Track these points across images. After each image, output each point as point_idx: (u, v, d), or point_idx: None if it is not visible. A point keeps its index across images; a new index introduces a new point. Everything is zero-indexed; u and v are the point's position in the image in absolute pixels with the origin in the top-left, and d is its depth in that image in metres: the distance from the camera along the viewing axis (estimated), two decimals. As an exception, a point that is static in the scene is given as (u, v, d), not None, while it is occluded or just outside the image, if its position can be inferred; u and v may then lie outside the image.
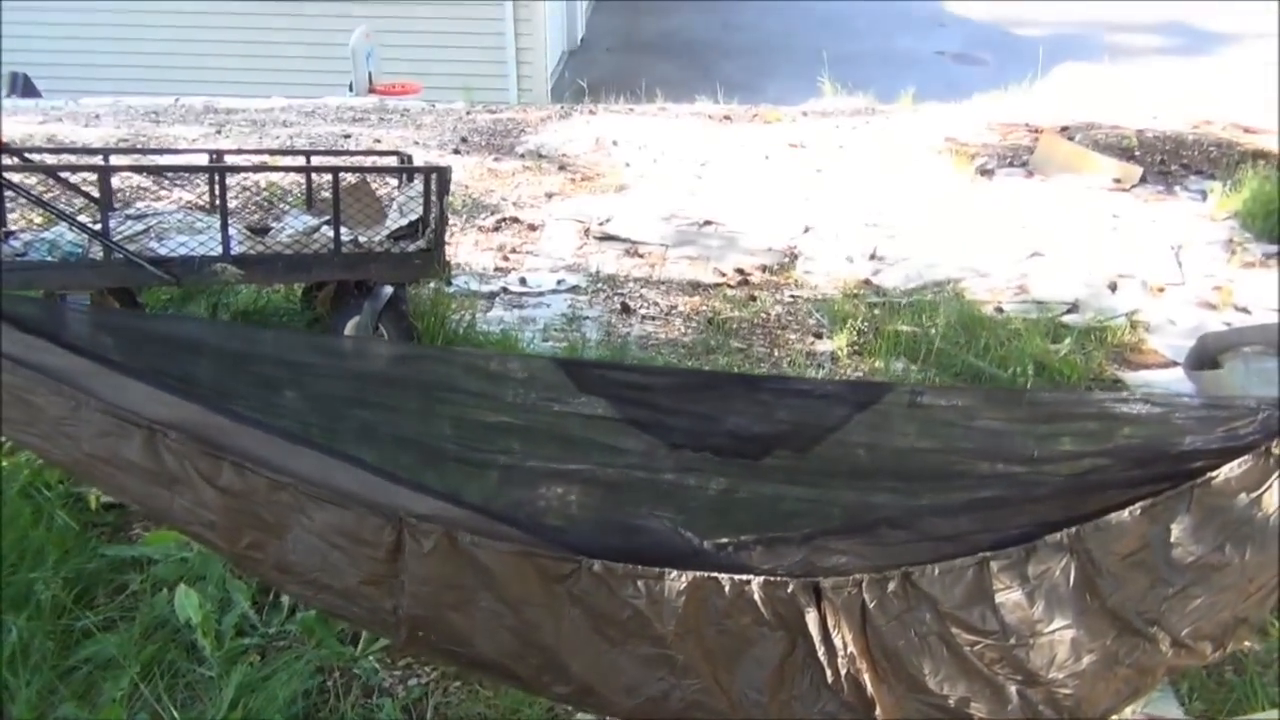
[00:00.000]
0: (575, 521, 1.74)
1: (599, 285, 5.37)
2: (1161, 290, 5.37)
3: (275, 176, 5.49)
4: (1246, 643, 2.73)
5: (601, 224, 6.16)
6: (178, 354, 1.65)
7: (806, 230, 6.16)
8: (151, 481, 1.60)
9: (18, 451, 3.37)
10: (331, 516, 1.62)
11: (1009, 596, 1.66)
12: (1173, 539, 1.67)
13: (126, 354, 1.60)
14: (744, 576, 1.67)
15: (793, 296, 5.32)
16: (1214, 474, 1.66)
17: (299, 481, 1.60)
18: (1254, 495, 1.66)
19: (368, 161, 5.50)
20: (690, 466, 1.73)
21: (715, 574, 1.67)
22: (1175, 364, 4.49)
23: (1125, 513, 1.66)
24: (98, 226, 3.63)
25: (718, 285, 5.44)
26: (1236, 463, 1.66)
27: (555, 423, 1.73)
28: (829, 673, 1.68)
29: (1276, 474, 1.66)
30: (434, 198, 3.86)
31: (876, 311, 5.01)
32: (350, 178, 4.10)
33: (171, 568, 2.88)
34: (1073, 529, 1.65)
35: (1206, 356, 4.21)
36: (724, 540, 1.75)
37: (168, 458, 1.59)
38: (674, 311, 5.11)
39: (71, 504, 3.17)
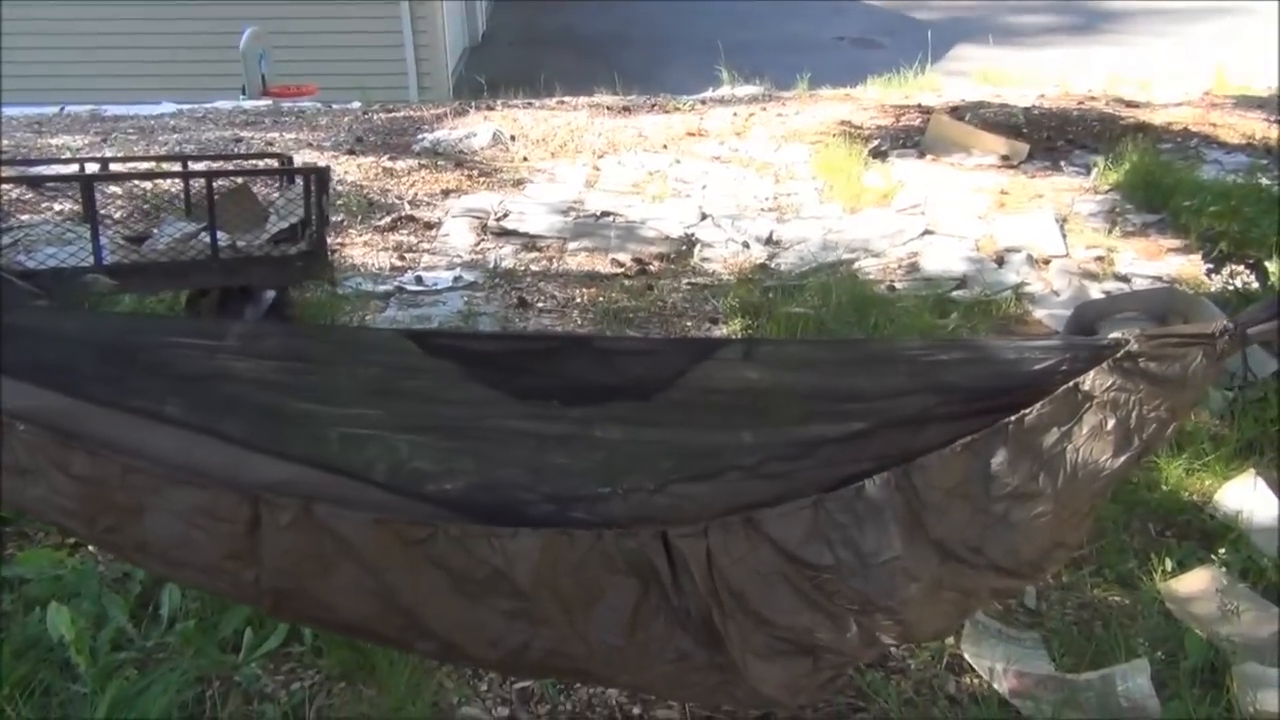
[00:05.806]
0: (430, 477, 1.81)
1: (496, 281, 5.41)
2: (1047, 263, 5.54)
3: (160, 184, 5.45)
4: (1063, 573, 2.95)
5: (499, 219, 6.21)
6: (33, 342, 1.68)
7: (704, 217, 6.27)
8: (5, 473, 1.63)
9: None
10: (188, 495, 1.65)
11: (843, 533, 1.77)
12: (992, 472, 1.79)
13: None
14: (594, 531, 1.75)
15: (690, 284, 5.41)
16: (1028, 411, 1.78)
17: (154, 463, 1.65)
18: (1065, 429, 1.79)
19: (246, 165, 5.45)
20: (537, 414, 1.81)
21: (567, 530, 1.75)
22: (1058, 334, 4.65)
23: (947, 450, 1.77)
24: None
25: (615, 276, 5.51)
26: (1048, 399, 1.79)
27: (406, 385, 1.80)
28: (680, 614, 1.77)
29: (1085, 409, 1.79)
30: (314, 199, 3.88)
31: (771, 295, 5.12)
32: (225, 182, 4.10)
33: (45, 586, 2.80)
34: (899, 468, 1.77)
35: (1083, 325, 4.37)
36: (576, 492, 1.83)
37: (19, 449, 1.62)
38: (571, 304, 5.17)
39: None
